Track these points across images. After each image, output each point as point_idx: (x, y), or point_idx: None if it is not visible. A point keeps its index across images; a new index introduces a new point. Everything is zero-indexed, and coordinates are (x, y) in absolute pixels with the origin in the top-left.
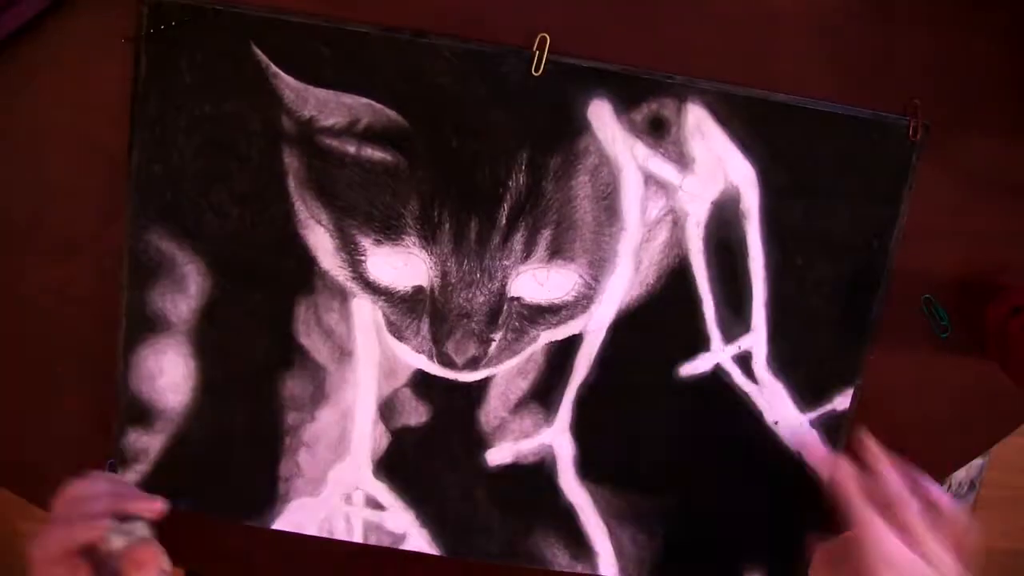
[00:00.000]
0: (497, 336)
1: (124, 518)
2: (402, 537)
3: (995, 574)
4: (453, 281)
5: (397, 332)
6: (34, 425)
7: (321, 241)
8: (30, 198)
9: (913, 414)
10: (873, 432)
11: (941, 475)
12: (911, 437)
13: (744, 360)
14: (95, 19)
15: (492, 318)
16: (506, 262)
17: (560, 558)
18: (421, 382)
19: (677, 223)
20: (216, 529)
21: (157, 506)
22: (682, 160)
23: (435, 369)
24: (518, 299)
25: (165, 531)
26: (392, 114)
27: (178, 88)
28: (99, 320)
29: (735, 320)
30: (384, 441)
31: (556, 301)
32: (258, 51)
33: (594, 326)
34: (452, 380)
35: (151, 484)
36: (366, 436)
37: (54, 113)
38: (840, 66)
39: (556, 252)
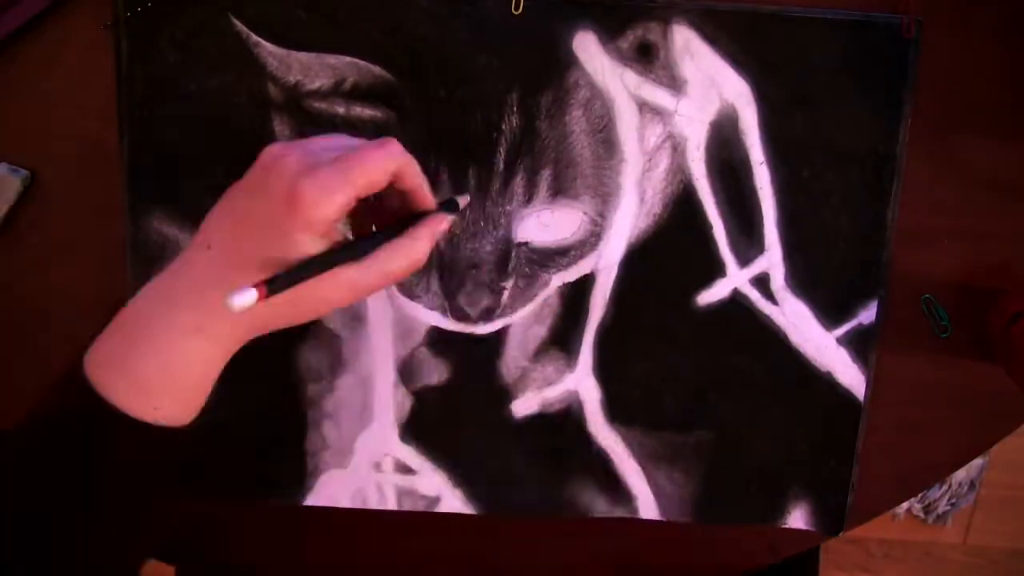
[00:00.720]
0: (508, 284)
1: None
2: (436, 500)
3: (995, 574)
4: (458, 232)
5: (407, 291)
6: None
7: None
8: (30, 197)
9: (913, 414)
10: (873, 432)
11: (941, 475)
12: (911, 437)
13: (762, 282)
14: (95, 19)
15: (501, 266)
16: (509, 207)
17: (599, 505)
18: (438, 339)
19: (677, 148)
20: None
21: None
22: (674, 83)
23: (450, 324)
24: (525, 244)
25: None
26: (377, 70)
27: (162, 69)
28: (101, 317)
29: (748, 242)
30: (407, 403)
31: (564, 242)
32: (237, 22)
33: (605, 263)
34: (468, 333)
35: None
36: (388, 400)
37: (54, 113)
38: None
39: (558, 192)
